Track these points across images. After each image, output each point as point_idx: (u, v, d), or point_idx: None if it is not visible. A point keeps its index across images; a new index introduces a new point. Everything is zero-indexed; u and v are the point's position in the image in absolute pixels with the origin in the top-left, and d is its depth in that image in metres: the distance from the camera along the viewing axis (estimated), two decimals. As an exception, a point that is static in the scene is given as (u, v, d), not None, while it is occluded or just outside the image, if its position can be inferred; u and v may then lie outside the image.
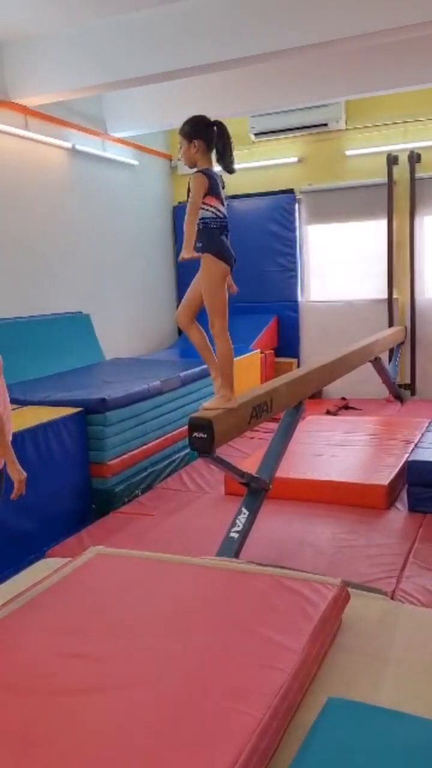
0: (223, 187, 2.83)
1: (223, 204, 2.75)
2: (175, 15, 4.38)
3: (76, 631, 2.12)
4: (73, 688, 1.82)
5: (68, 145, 5.66)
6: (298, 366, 6.68)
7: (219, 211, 2.75)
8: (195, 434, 2.60)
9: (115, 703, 1.75)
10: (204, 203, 2.70)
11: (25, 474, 2.57)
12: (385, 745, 1.69)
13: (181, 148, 2.81)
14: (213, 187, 2.71)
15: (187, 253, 2.64)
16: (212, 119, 2.81)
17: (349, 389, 6.48)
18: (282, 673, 1.86)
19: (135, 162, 6.62)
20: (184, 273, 7.29)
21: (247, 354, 6.02)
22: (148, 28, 4.48)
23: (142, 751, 1.58)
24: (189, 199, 2.71)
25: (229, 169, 2.80)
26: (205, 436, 2.58)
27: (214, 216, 2.73)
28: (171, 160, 7.27)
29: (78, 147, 5.76)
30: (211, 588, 2.42)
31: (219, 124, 2.78)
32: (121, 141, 6.38)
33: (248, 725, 1.64)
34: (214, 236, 2.73)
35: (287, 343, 7.00)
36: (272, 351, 6.86)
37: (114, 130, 6.20)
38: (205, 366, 5.21)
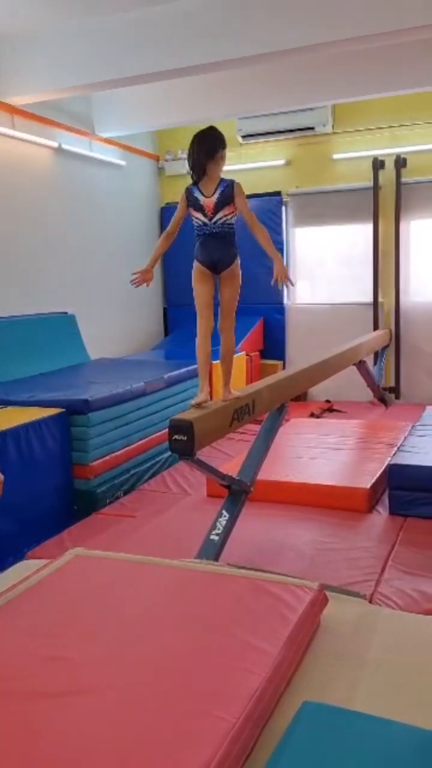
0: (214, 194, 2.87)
1: (204, 214, 2.87)
2: (164, 16, 4.38)
3: (53, 634, 2.11)
4: (48, 691, 1.81)
5: (55, 144, 5.64)
6: (284, 368, 6.70)
7: (199, 220, 2.91)
8: (175, 437, 2.59)
9: (89, 706, 1.74)
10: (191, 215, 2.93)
11: (2, 476, 2.55)
12: (360, 750, 1.69)
13: (216, 164, 2.89)
14: (190, 201, 2.92)
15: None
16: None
17: (334, 392, 6.50)
18: (257, 677, 1.86)
19: (122, 162, 6.61)
20: (170, 274, 7.30)
21: (233, 356, 6.01)
22: (136, 28, 4.48)
23: (114, 755, 1.57)
24: None
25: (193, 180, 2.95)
26: (186, 438, 2.58)
27: (197, 225, 2.94)
28: (158, 160, 7.26)
29: (65, 146, 5.74)
30: (190, 591, 2.41)
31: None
32: (109, 141, 6.37)
33: (222, 729, 1.64)
34: (197, 242, 2.95)
35: (273, 346, 7.01)
36: (258, 353, 6.87)
37: (101, 130, 6.19)
38: (190, 368, 5.26)
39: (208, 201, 2.85)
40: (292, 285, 3.09)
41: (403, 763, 1.64)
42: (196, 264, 2.96)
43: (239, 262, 3.01)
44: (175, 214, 3.00)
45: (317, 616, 2.32)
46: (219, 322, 3.03)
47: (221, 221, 2.87)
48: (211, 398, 2.97)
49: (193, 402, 2.88)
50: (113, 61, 4.59)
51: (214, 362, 3.65)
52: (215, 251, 2.90)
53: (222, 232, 2.89)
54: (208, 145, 2.87)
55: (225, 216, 2.86)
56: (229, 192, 2.85)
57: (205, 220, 2.87)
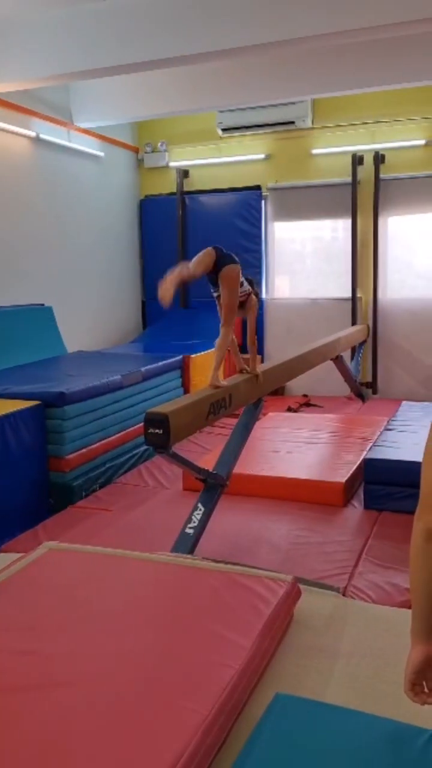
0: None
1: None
2: (144, 6, 4.34)
3: (25, 628, 2.10)
4: (20, 685, 1.81)
5: (32, 134, 5.58)
6: (263, 362, 6.70)
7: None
8: (150, 430, 2.59)
9: (61, 700, 1.74)
10: None
11: None
12: (330, 741, 1.71)
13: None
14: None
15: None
16: None
17: (311, 386, 6.53)
18: (230, 669, 1.87)
19: (101, 153, 6.55)
20: (149, 268, 7.27)
21: (211, 350, 6.01)
22: (115, 18, 4.43)
23: (85, 748, 1.57)
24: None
25: None
26: (161, 431, 2.57)
27: None
28: (138, 152, 7.21)
29: (42, 136, 5.68)
30: (164, 584, 2.42)
31: None
32: (87, 131, 6.31)
33: (194, 721, 1.65)
34: None
35: (252, 340, 7.01)
36: (237, 347, 6.86)
37: (80, 120, 6.13)
38: (167, 361, 5.26)
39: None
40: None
41: (374, 753, 1.66)
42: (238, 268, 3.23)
43: (238, 270, 3.20)
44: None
45: (291, 609, 2.34)
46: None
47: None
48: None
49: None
50: (91, 51, 4.54)
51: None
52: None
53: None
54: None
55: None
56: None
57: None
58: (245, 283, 3.28)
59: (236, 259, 3.21)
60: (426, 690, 1.19)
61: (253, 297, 3.38)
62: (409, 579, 1.19)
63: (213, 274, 3.12)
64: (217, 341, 3.24)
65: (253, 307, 3.39)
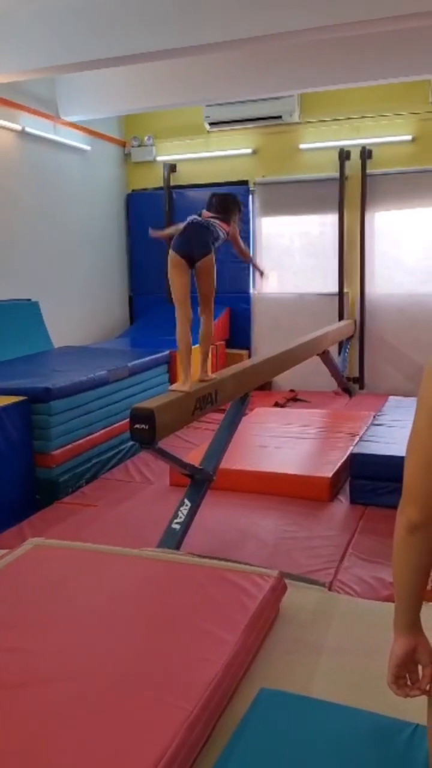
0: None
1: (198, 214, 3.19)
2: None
3: (9, 625, 2.08)
4: (3, 682, 1.79)
5: (18, 127, 5.53)
6: (250, 358, 6.70)
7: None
8: (136, 425, 2.58)
9: (44, 697, 1.73)
10: None
11: None
12: (315, 735, 1.71)
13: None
14: None
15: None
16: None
17: (298, 381, 6.54)
18: (215, 665, 1.86)
19: (87, 147, 6.51)
20: (136, 263, 7.24)
21: (198, 345, 5.99)
22: (102, 11, 4.39)
23: (69, 744, 1.56)
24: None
25: None
26: (147, 427, 2.56)
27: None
28: (125, 146, 7.17)
29: (28, 130, 5.63)
30: (150, 580, 2.41)
31: None
32: (73, 125, 6.26)
33: (178, 717, 1.64)
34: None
35: (239, 335, 7.01)
36: (224, 342, 6.86)
37: (66, 114, 6.08)
38: (154, 356, 5.24)
39: (206, 212, 3.16)
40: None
41: (359, 747, 1.67)
42: (171, 253, 2.98)
43: (213, 258, 3.07)
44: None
45: (276, 603, 2.34)
46: (199, 308, 3.13)
47: (210, 220, 3.08)
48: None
49: (172, 387, 2.96)
50: (77, 44, 4.50)
51: (194, 346, 3.69)
52: (193, 240, 2.96)
53: (206, 225, 3.03)
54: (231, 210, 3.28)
55: (214, 220, 3.12)
56: (226, 221, 3.20)
57: (196, 216, 3.09)
58: (220, 231, 3.13)
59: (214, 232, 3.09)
60: (409, 683, 1.19)
61: (234, 228, 3.28)
62: (392, 572, 1.19)
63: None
64: (201, 332, 3.17)
65: (236, 236, 3.32)
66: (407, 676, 1.19)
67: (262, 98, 6.18)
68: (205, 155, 6.82)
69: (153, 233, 3.11)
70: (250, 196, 6.83)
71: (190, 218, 3.08)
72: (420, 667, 1.18)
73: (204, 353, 3.20)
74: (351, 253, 6.60)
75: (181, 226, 3.02)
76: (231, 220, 3.25)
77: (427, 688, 1.18)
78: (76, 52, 4.54)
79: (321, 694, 1.93)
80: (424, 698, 1.20)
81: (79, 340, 6.33)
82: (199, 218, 3.10)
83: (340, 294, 6.65)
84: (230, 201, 3.33)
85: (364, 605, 2.50)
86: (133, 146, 7.10)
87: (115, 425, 4.57)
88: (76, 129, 6.33)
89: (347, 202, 6.51)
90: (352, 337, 6.57)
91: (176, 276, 2.98)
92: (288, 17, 4.03)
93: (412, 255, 6.48)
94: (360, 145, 6.37)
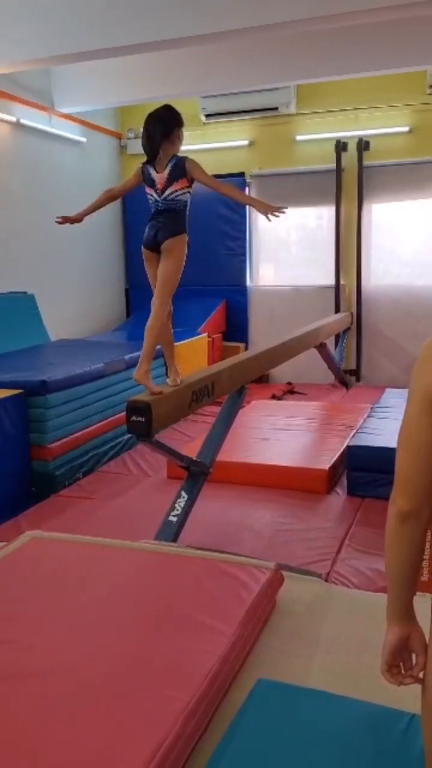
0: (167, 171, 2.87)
1: (155, 189, 2.90)
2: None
3: (6, 618, 2.09)
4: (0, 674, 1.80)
5: (13, 119, 5.50)
6: (247, 350, 6.70)
7: (152, 197, 2.94)
8: (133, 418, 2.57)
9: (40, 689, 1.73)
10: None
11: None
12: (312, 725, 1.72)
13: (172, 144, 2.90)
14: (144, 177, 2.95)
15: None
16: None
17: (295, 374, 6.54)
18: (212, 656, 1.87)
19: (83, 139, 6.48)
20: (132, 255, 7.21)
21: (195, 338, 6.00)
22: (97, 1, 4.36)
23: (66, 736, 1.57)
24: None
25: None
26: (143, 419, 2.56)
27: (150, 203, 2.97)
28: (120, 138, 7.14)
29: (23, 121, 5.60)
30: (147, 572, 2.41)
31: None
32: (69, 117, 6.23)
33: (176, 708, 1.65)
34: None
35: (235, 327, 7.01)
36: (220, 335, 6.86)
37: (61, 106, 6.05)
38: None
39: (160, 176, 2.87)
40: (284, 212, 2.85)
41: (355, 737, 1.68)
42: (142, 249, 2.98)
43: (185, 240, 2.92)
44: (126, 179, 3.14)
45: (273, 595, 2.34)
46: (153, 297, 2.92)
47: (172, 196, 2.87)
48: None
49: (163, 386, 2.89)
50: (72, 35, 4.46)
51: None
52: (159, 228, 2.89)
53: (171, 208, 2.88)
54: (164, 125, 2.86)
55: (176, 191, 2.87)
56: (181, 165, 2.86)
57: (156, 196, 2.90)
58: (182, 197, 2.88)
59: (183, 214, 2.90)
60: (402, 671, 1.20)
61: (196, 173, 2.87)
62: (385, 562, 1.20)
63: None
64: (150, 322, 2.86)
65: (206, 181, 2.90)
66: (401, 664, 1.20)
67: (258, 89, 6.16)
68: (202, 147, 6.78)
69: (60, 220, 3.27)
70: (247, 188, 6.81)
71: (152, 207, 2.91)
72: (413, 655, 1.19)
73: (149, 347, 2.86)
74: (348, 246, 6.59)
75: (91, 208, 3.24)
76: (185, 167, 2.84)
77: (420, 675, 1.18)
78: (71, 43, 4.51)
79: (318, 685, 1.94)
80: (419, 689, 1.20)
81: (75, 333, 6.32)
82: (160, 204, 2.87)
83: (337, 286, 6.65)
84: (159, 133, 2.83)
85: (360, 597, 2.51)
86: (128, 138, 7.07)
87: (112, 418, 4.57)
88: (72, 120, 6.30)
89: (344, 194, 6.50)
90: (348, 329, 6.57)
91: (150, 270, 2.98)
92: (284, 7, 4.01)
93: (409, 247, 6.47)
94: (357, 136, 6.35)
